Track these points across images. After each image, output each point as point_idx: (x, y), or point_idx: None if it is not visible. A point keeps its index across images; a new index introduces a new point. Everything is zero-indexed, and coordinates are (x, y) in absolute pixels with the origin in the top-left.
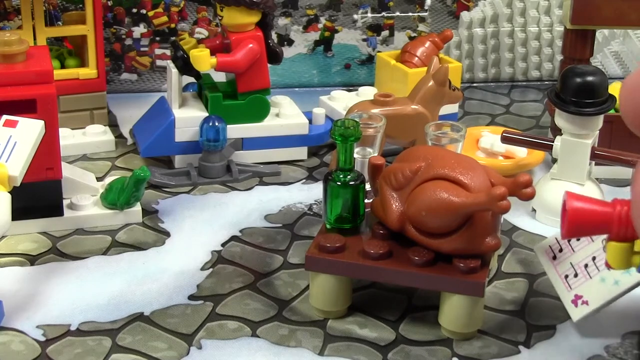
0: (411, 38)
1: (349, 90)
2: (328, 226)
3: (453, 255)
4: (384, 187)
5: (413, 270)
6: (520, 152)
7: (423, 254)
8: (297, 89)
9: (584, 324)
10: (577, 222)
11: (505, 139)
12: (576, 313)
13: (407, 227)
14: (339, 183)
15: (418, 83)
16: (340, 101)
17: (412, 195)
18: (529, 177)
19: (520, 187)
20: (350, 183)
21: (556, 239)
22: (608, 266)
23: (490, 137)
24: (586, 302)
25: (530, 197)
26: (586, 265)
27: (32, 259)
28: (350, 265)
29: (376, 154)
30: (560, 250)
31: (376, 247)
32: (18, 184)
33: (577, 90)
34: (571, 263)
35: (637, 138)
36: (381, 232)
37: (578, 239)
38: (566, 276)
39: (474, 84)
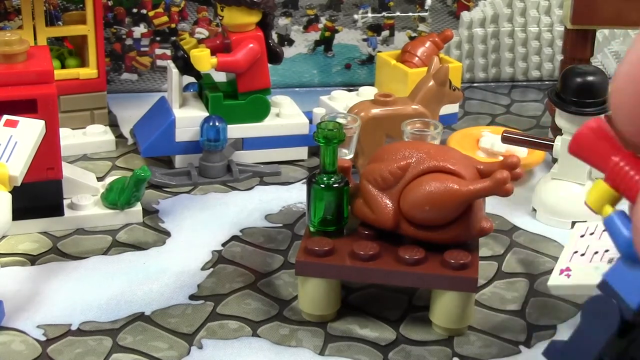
0: (411, 38)
1: (350, 90)
2: (312, 229)
3: (452, 244)
4: (368, 188)
5: (405, 270)
6: (521, 152)
7: (413, 252)
8: (297, 89)
9: (555, 292)
10: (580, 145)
11: (505, 139)
12: (554, 279)
13: (402, 224)
14: (322, 186)
15: (418, 83)
16: (341, 101)
17: (407, 191)
18: (517, 158)
19: (511, 169)
20: (334, 186)
21: (598, 224)
22: (585, 204)
23: (490, 137)
24: (568, 275)
25: (519, 177)
26: (596, 252)
27: (32, 259)
28: (341, 267)
29: (351, 155)
30: (591, 234)
31: (366, 248)
32: (19, 184)
33: (577, 90)
34: (588, 245)
35: None
36: (366, 232)
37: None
38: (576, 252)
39: (475, 84)
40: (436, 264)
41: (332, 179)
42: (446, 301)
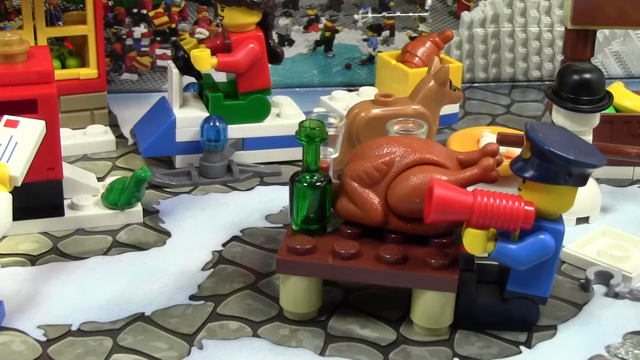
0: (412, 38)
1: (350, 91)
2: (295, 228)
3: (445, 234)
4: (354, 187)
5: (385, 269)
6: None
7: (394, 251)
8: (297, 89)
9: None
10: (442, 208)
11: (500, 142)
12: None
13: (391, 219)
14: (305, 184)
15: (419, 83)
16: (341, 101)
17: (395, 185)
18: (495, 145)
19: (491, 155)
20: (317, 184)
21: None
22: (464, 250)
23: (490, 137)
24: None
25: (500, 163)
26: None
27: (33, 259)
28: (322, 266)
29: (337, 154)
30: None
31: (347, 247)
32: (19, 184)
33: (574, 87)
34: None
35: (638, 138)
36: (349, 231)
37: None
38: None
39: (475, 84)
40: (417, 264)
41: (315, 178)
42: (426, 301)
